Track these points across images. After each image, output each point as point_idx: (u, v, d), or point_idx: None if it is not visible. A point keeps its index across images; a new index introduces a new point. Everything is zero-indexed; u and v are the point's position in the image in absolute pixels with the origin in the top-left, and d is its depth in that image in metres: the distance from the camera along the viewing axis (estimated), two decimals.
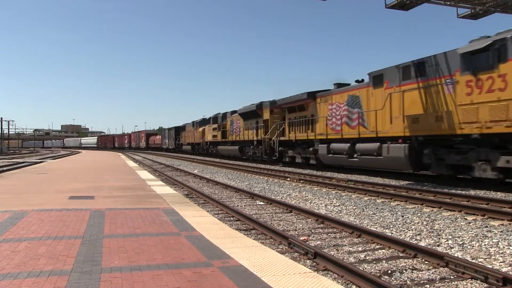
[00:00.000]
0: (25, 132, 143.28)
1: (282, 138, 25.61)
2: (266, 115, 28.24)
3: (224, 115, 38.44)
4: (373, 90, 17.22)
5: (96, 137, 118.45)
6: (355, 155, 18.13)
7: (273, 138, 26.29)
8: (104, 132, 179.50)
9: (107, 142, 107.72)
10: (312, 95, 22.10)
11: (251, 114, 30.58)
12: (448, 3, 14.83)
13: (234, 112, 35.85)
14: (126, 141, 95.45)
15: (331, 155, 20.01)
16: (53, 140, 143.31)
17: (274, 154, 26.22)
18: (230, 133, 35.95)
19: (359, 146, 17.69)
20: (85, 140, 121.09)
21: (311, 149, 22.21)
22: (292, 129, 24.57)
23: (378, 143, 16.40)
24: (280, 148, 25.66)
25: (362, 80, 18.69)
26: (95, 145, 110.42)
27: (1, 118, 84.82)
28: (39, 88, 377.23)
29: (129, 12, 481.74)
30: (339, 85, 20.90)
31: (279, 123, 26.19)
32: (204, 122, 47.11)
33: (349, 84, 20.05)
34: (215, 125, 40.66)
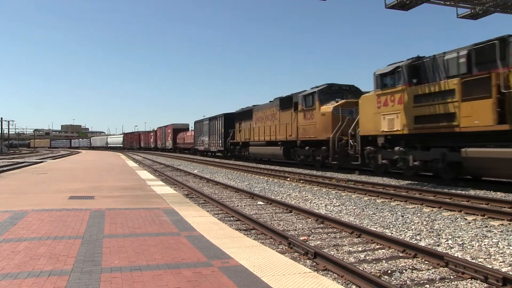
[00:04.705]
0: (25, 132, 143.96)
1: None
2: None
3: (505, 44, 11.58)
4: None
5: (121, 136, 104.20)
6: None
7: None
8: (104, 132, 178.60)
9: (133, 141, 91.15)
10: None
11: None
12: (448, 3, 14.84)
13: None
14: (152, 140, 76.43)
15: None
16: (80, 139, 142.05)
17: None
18: None
19: None
20: (111, 139, 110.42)
21: None
22: None
23: None
24: None
25: None
26: (121, 145, 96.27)
27: (1, 118, 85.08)
28: (39, 88, 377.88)
29: (129, 12, 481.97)
30: None
31: None
32: (330, 92, 21.48)
33: None
34: (441, 85, 13.22)
